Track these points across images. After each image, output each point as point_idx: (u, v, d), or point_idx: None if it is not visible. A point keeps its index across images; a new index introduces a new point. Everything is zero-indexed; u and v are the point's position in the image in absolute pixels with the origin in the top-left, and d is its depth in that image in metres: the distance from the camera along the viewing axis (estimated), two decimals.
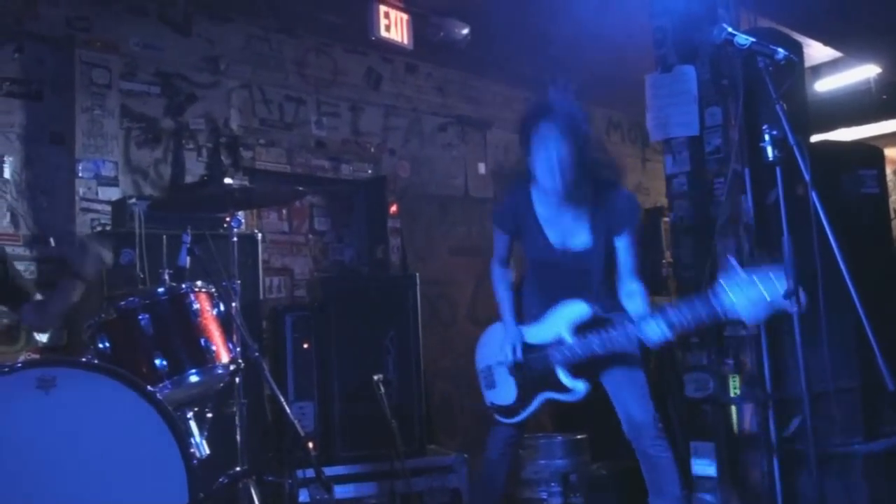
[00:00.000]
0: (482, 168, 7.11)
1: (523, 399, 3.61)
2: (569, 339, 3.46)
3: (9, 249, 4.65)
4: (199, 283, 3.31)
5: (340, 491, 4.48)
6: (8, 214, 4.75)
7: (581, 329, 3.45)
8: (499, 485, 3.77)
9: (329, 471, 4.44)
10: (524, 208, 3.55)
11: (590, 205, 3.45)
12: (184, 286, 3.23)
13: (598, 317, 3.45)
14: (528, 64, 6.61)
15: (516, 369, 3.59)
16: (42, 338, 4.77)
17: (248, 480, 3.31)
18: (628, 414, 3.46)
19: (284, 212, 6.07)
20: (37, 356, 3.33)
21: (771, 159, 2.61)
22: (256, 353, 3.33)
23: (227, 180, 4.27)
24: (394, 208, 6.39)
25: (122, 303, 3.14)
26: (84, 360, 2.84)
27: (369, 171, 6.35)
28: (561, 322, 3.50)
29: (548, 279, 3.60)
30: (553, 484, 4.74)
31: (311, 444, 4.57)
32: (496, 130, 7.22)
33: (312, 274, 6.12)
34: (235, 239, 3.66)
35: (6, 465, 2.56)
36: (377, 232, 6.36)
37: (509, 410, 3.66)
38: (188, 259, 3.34)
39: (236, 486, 3.54)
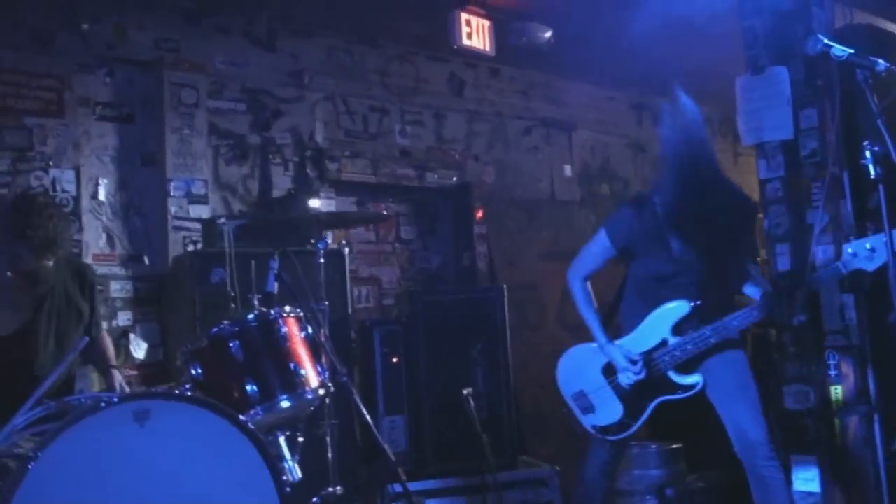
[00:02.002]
0: (568, 170, 7.02)
1: (633, 414, 3.54)
2: (672, 339, 3.41)
3: (105, 269, 4.81)
4: (287, 308, 3.33)
5: None
6: (104, 235, 4.88)
7: (683, 326, 3.41)
8: None
9: (420, 485, 4.48)
10: (647, 214, 3.44)
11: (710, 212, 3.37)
12: (273, 312, 3.25)
13: (700, 308, 3.39)
14: (613, 63, 6.48)
15: (625, 386, 3.51)
16: (140, 354, 4.90)
17: None
18: (741, 430, 3.35)
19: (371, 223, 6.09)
20: (134, 391, 3.38)
21: (873, 177, 2.48)
22: (345, 378, 3.33)
23: (314, 203, 4.30)
24: (479, 214, 6.35)
25: (214, 330, 3.18)
26: (177, 391, 2.88)
27: (454, 178, 6.32)
28: (661, 324, 3.45)
29: (653, 291, 3.50)
30: (648, 497, 4.65)
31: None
32: (581, 131, 7.11)
33: (400, 283, 6.14)
34: (322, 260, 3.67)
35: (106, 498, 2.61)
36: (463, 239, 6.34)
37: (619, 427, 3.58)
38: (276, 285, 3.36)
39: None
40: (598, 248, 3.59)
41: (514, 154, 6.73)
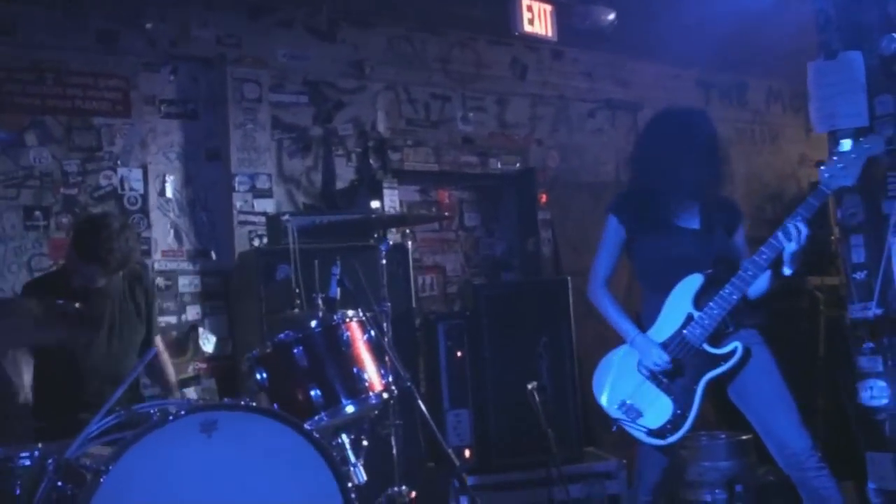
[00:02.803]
0: None
1: (683, 402, 3.39)
2: (696, 312, 3.35)
3: (173, 265, 4.90)
4: (350, 312, 3.34)
5: (497, 499, 4.49)
6: (171, 231, 4.96)
7: (703, 296, 3.35)
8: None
9: (486, 479, 4.49)
10: (651, 198, 3.47)
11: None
12: (335, 318, 3.27)
13: (713, 276, 3.35)
14: (678, 41, 6.33)
15: (664, 375, 3.42)
16: (208, 347, 4.99)
17: None
18: (782, 442, 3.26)
19: (434, 209, 6.08)
20: (201, 402, 3.43)
21: None
22: (409, 383, 3.34)
23: (374, 204, 4.30)
24: (543, 199, 6.29)
25: (279, 337, 3.21)
26: (243, 402, 2.91)
27: (517, 164, 6.26)
28: (681, 301, 3.39)
29: (664, 272, 3.43)
30: (717, 490, 4.58)
31: (467, 452, 4.62)
32: (647, 111, 6.95)
33: (464, 270, 6.13)
34: (384, 261, 3.67)
35: None
36: (527, 224, 6.29)
37: (673, 424, 3.41)
38: (338, 290, 3.38)
39: None
40: (607, 233, 3.58)
41: (578, 137, 6.64)
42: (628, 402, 3.47)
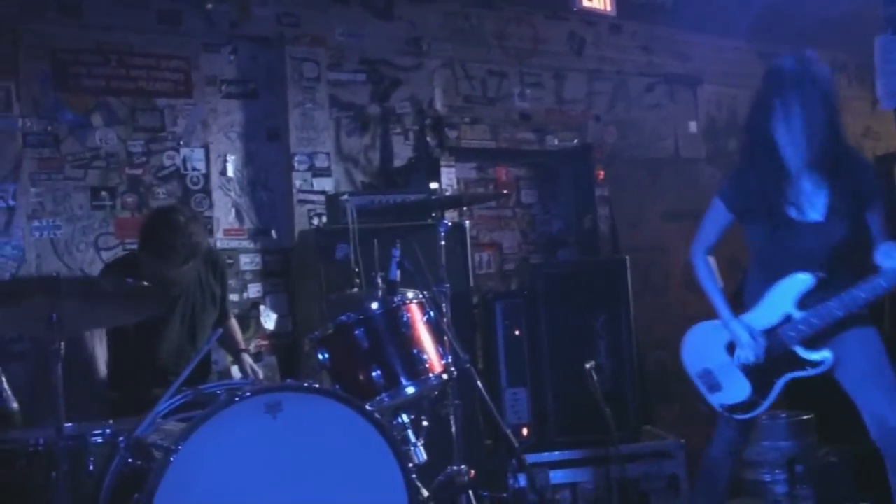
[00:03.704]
0: (693, 126, 6.80)
1: (761, 391, 3.44)
2: (797, 313, 3.31)
3: (235, 243, 4.99)
4: (410, 294, 3.38)
5: (556, 476, 4.52)
6: (233, 210, 5.04)
7: (808, 300, 3.29)
8: (722, 484, 3.68)
9: (544, 457, 4.52)
10: (760, 182, 3.31)
11: (830, 174, 3.24)
12: (396, 300, 3.31)
13: (825, 280, 3.26)
14: (739, 12, 6.21)
15: (747, 362, 3.42)
16: (269, 325, 5.07)
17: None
18: (879, 416, 3.22)
19: (491, 186, 6.08)
20: (266, 384, 3.50)
21: None
22: (468, 365, 3.37)
23: (433, 185, 4.32)
24: (601, 175, 6.25)
25: (341, 318, 3.26)
26: (306, 384, 2.97)
27: (575, 140, 6.22)
28: (785, 299, 3.34)
29: (775, 260, 3.38)
30: (777, 471, 4.55)
31: (525, 431, 4.65)
32: (707, 85, 6.86)
33: (521, 247, 6.12)
34: (443, 243, 3.70)
35: (241, 486, 2.74)
36: (585, 201, 6.26)
37: (747, 406, 3.49)
38: (398, 273, 3.41)
39: (455, 483, 3.65)
40: (713, 214, 3.49)
41: (636, 112, 6.56)
42: (711, 372, 3.56)
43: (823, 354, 3.31)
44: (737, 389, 3.50)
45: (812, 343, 3.32)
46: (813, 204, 3.28)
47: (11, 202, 4.37)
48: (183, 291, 3.82)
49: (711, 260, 3.54)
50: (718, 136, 6.96)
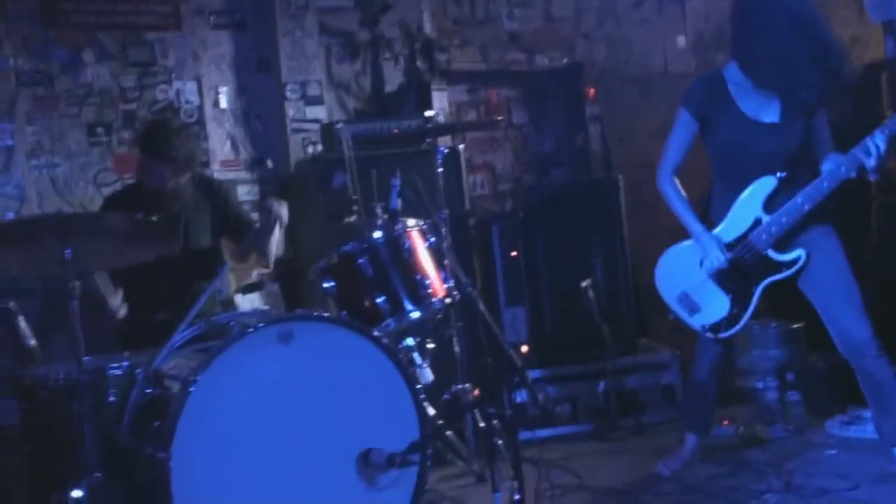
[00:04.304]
0: (682, 41, 6.78)
1: (741, 302, 3.54)
2: (765, 216, 3.40)
3: (231, 174, 5.03)
4: (410, 222, 3.46)
5: (555, 391, 4.67)
6: (228, 141, 5.08)
7: (774, 200, 3.39)
8: (709, 399, 3.83)
9: (542, 373, 4.66)
10: (718, 86, 3.45)
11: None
12: (397, 228, 3.40)
13: (788, 179, 3.37)
14: None
15: (725, 274, 3.52)
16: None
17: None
18: (843, 329, 3.37)
19: (482, 108, 6.11)
20: (277, 313, 3.56)
21: None
22: (470, 289, 3.47)
23: (428, 113, 4.35)
24: (591, 94, 6.27)
25: (344, 248, 3.36)
26: (315, 313, 3.07)
27: (564, 59, 6.22)
28: (751, 204, 3.44)
29: (736, 167, 3.47)
30: (768, 378, 4.70)
31: (524, 348, 4.78)
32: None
33: (513, 168, 6.18)
34: (441, 170, 3.76)
35: (259, 413, 2.86)
36: (575, 120, 6.27)
37: (728, 321, 3.58)
38: (399, 202, 3.49)
39: (460, 401, 3.79)
40: (678, 126, 3.58)
41: (625, 29, 6.53)
42: (688, 294, 3.62)
43: (797, 253, 3.41)
44: (716, 306, 3.58)
45: (783, 245, 3.42)
46: (767, 108, 3.39)
47: (9, 142, 4.41)
48: (183, 214, 3.86)
49: (677, 182, 3.62)
50: (707, 50, 6.93)
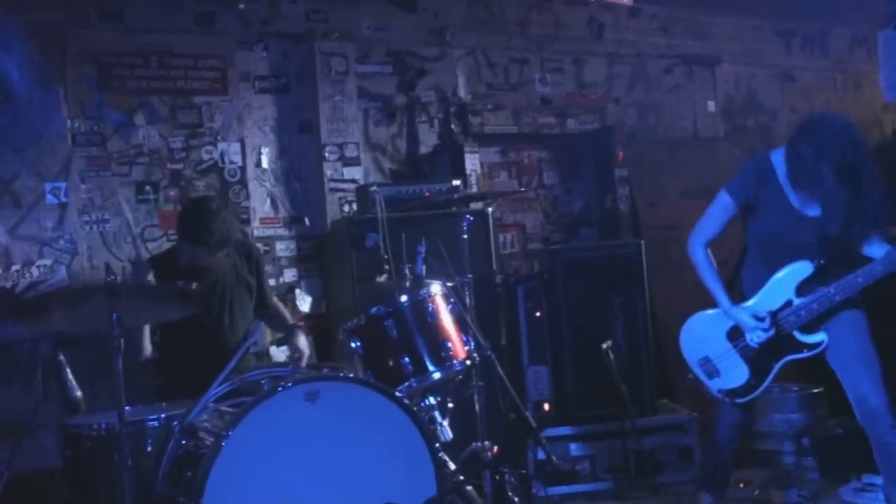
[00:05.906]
0: (711, 106, 6.96)
1: (759, 374, 3.68)
2: (796, 299, 3.53)
3: (271, 231, 5.28)
4: (434, 287, 3.65)
5: (575, 449, 4.80)
6: (268, 200, 5.33)
7: (807, 286, 3.51)
8: (727, 457, 3.94)
9: (563, 430, 4.79)
10: (767, 173, 3.55)
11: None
12: (422, 292, 3.59)
13: (824, 267, 3.48)
14: None
15: (749, 348, 3.64)
16: (305, 307, 5.38)
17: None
18: (861, 396, 3.48)
19: (514, 170, 6.32)
20: (305, 373, 3.77)
21: None
22: (489, 353, 3.64)
23: (455, 182, 4.57)
24: (620, 156, 6.44)
25: (372, 311, 3.56)
26: (341, 374, 3.26)
27: (595, 123, 6.42)
28: (785, 285, 3.56)
29: (776, 250, 3.60)
30: (787, 442, 4.76)
31: (547, 406, 4.92)
32: (725, 65, 7.01)
33: (543, 227, 6.36)
34: (466, 236, 3.95)
35: (285, 467, 3.05)
36: (605, 181, 6.44)
37: (745, 389, 3.72)
38: (424, 268, 3.68)
39: (479, 458, 3.93)
40: (718, 206, 3.67)
41: (655, 94, 6.74)
42: (710, 360, 3.77)
43: (820, 337, 3.55)
44: (735, 374, 3.73)
45: (808, 327, 3.56)
46: (811, 202, 3.50)
47: (64, 199, 4.67)
48: (219, 279, 4.10)
49: (709, 252, 3.74)
50: (736, 115, 7.12)
